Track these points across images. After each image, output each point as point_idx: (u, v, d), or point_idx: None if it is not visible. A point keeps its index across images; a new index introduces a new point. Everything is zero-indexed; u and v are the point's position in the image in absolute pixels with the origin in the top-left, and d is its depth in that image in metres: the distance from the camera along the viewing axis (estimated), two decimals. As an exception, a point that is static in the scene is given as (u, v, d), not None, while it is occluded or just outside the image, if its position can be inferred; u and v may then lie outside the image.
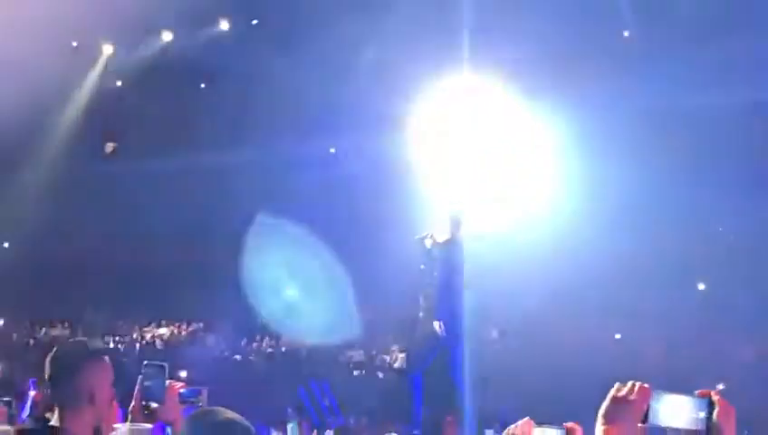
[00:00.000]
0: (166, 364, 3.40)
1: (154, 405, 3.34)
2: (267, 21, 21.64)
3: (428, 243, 8.52)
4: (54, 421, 3.28)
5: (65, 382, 3.31)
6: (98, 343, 14.80)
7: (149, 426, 3.23)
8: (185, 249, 21.46)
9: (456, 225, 8.48)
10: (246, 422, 2.67)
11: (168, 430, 3.61)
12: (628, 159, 18.03)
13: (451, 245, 8.45)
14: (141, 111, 22.91)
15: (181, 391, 3.40)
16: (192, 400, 3.45)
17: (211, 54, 21.22)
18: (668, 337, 18.51)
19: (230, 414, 2.66)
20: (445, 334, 8.64)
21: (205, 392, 3.75)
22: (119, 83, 23.18)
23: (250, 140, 21.35)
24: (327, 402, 17.71)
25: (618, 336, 20.37)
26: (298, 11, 20.13)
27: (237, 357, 20.94)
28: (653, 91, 18.10)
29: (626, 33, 19.58)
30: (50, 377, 3.35)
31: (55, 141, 22.92)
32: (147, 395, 3.35)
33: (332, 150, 22.58)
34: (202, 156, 21.22)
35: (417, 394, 8.99)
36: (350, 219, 20.08)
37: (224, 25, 22.01)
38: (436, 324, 8.63)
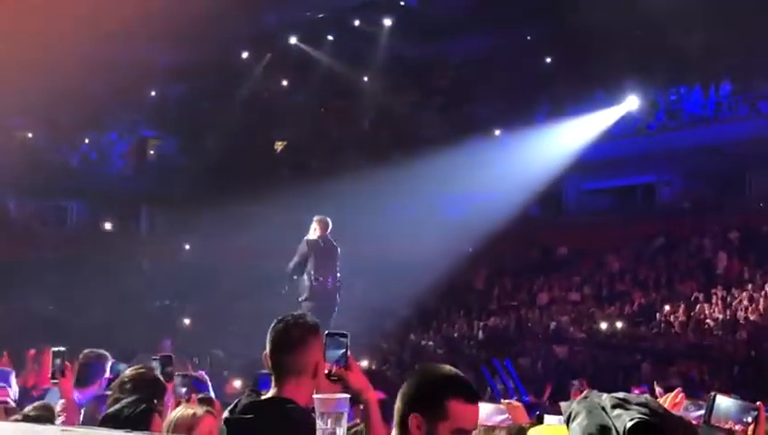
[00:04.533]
0: (348, 333, 3.44)
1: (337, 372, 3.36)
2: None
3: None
4: (272, 393, 3.40)
5: (293, 355, 3.43)
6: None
7: (342, 395, 3.21)
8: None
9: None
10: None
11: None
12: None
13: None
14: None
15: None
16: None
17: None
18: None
19: (452, 369, 2.80)
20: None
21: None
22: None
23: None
24: (512, 382, 17.27)
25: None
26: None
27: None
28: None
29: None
30: (276, 348, 3.46)
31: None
32: (331, 363, 3.39)
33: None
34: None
35: None
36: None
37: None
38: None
